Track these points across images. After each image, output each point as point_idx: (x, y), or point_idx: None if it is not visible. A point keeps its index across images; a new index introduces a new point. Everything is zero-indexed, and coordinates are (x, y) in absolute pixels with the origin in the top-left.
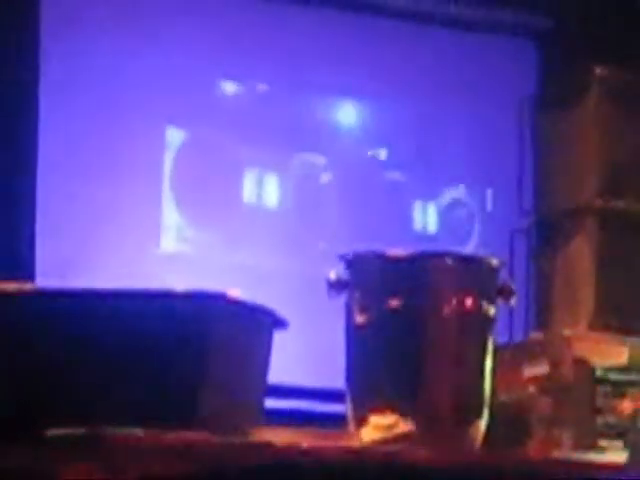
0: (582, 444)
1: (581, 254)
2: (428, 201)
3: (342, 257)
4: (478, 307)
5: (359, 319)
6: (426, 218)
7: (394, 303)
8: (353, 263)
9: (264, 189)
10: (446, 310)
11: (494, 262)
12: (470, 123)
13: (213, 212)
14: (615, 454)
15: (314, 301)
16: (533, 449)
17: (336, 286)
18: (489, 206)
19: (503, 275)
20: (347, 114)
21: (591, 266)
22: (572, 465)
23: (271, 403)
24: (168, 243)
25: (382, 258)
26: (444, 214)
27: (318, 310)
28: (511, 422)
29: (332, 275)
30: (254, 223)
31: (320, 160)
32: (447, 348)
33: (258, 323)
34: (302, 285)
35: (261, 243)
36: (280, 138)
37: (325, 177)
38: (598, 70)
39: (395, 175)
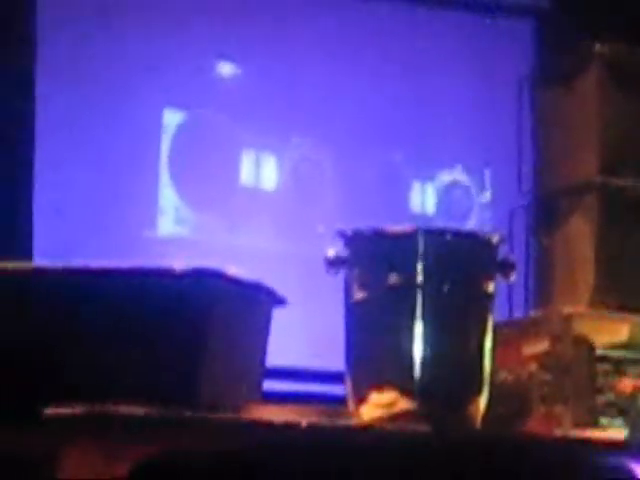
0: (582, 422)
1: (581, 232)
2: (426, 182)
3: (340, 234)
4: (477, 283)
5: (358, 296)
6: (424, 199)
7: (393, 279)
8: (351, 240)
9: (262, 171)
10: (445, 286)
11: (493, 238)
12: (469, 103)
13: (211, 194)
14: (615, 432)
15: (313, 283)
16: (533, 427)
17: (334, 263)
18: (488, 186)
19: (503, 251)
20: (345, 94)
21: (591, 244)
22: (572, 442)
23: (271, 385)
24: (165, 225)
25: (381, 234)
26: (442, 195)
27: (317, 292)
28: (511, 400)
29: (330, 252)
30: (252, 205)
31: (318, 141)
32: (446, 325)
33: (256, 301)
34: (300, 267)
35: (259, 225)
36: (278, 119)
37: (323, 158)
38: (597, 47)
39: (393, 156)
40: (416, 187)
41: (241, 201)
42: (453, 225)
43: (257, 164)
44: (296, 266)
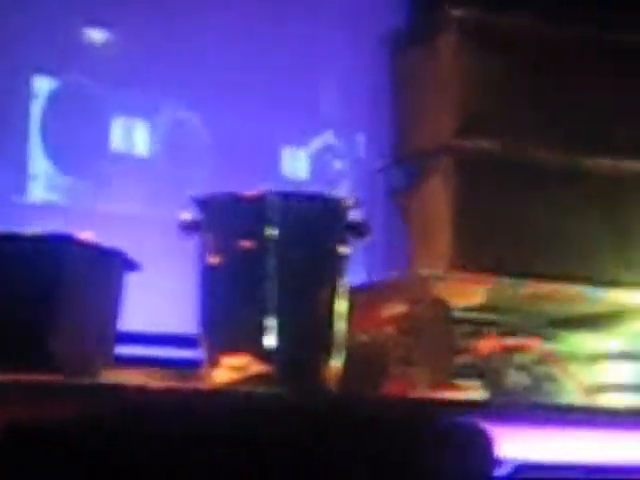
0: (438, 383)
1: (439, 195)
2: (299, 147)
3: (194, 199)
4: (328, 246)
5: (211, 260)
6: (296, 164)
7: (246, 244)
8: (204, 205)
9: (134, 136)
10: (296, 250)
11: (345, 201)
12: (341, 66)
13: (82, 160)
14: (473, 393)
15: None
16: (391, 389)
17: (188, 228)
18: (360, 151)
19: (357, 214)
20: (217, 60)
21: (449, 207)
22: (427, 403)
23: (128, 349)
24: (36, 191)
25: (232, 199)
26: (315, 160)
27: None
28: (369, 362)
29: (184, 217)
30: (124, 170)
31: (190, 106)
32: (298, 288)
33: (109, 266)
34: (171, 232)
35: (131, 191)
36: (149, 85)
37: (195, 124)
38: (454, 10)
39: (266, 120)
40: (288, 152)
41: (113, 167)
42: (325, 190)
43: (129, 130)
44: (166, 231)
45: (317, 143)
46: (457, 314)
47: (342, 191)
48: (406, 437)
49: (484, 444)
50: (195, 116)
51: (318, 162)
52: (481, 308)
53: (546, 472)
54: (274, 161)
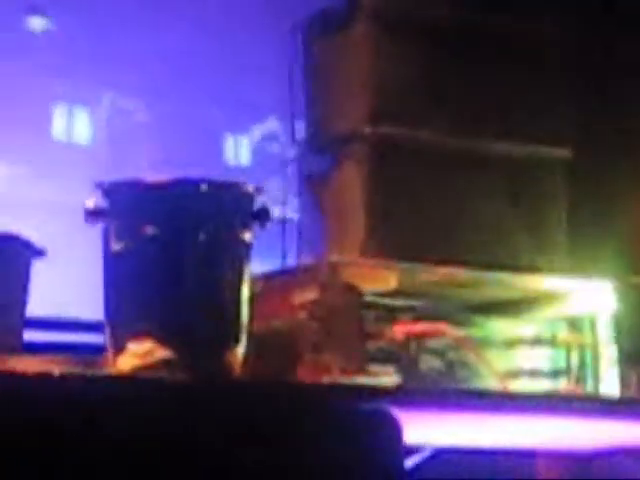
0: (351, 369)
1: (353, 181)
2: (241, 134)
3: (98, 185)
4: (233, 233)
5: (115, 247)
6: (238, 151)
7: (150, 230)
8: (109, 191)
9: (75, 124)
10: (201, 236)
11: (249, 188)
12: (276, 53)
13: (23, 147)
14: (386, 379)
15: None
16: (303, 375)
17: (93, 214)
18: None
19: (263, 201)
20: (159, 48)
21: (362, 193)
22: (338, 389)
23: (34, 335)
24: None
25: (137, 185)
26: (257, 147)
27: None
28: (282, 348)
29: (89, 203)
30: (64, 158)
31: (132, 95)
32: (202, 274)
33: (13, 252)
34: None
35: (71, 178)
36: (91, 73)
37: (137, 112)
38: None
39: (207, 108)
40: (231, 140)
41: (53, 154)
42: (268, 176)
43: (70, 117)
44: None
45: (260, 130)
46: (369, 299)
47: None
48: (308, 422)
49: (392, 429)
50: (136, 104)
51: (260, 149)
52: (395, 293)
53: (463, 457)
54: (216, 149)
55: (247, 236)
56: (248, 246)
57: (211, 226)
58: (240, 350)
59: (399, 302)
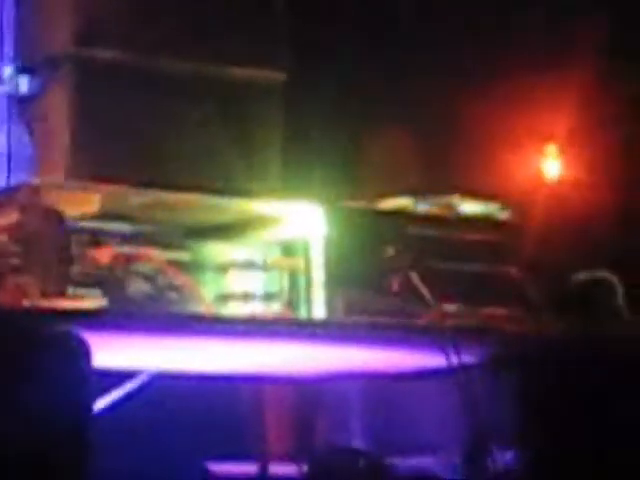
0: (52, 293)
1: (58, 103)
2: None
3: None
4: None
5: None
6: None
7: None
8: None
9: None
10: None
11: None
12: None
13: None
14: (91, 302)
15: None
16: (4, 298)
17: None
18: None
19: None
20: None
21: (67, 115)
22: (35, 313)
23: None
24: None
25: None
26: None
27: None
28: None
29: None
30: None
31: None
32: None
33: None
34: None
35: None
36: None
37: None
38: None
39: None
40: None
41: None
42: None
43: None
44: None
45: None
46: (72, 223)
47: None
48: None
49: (75, 351)
50: None
51: None
52: (97, 216)
53: (184, 382)
54: None
55: None
56: None
57: None
58: None
59: (102, 225)
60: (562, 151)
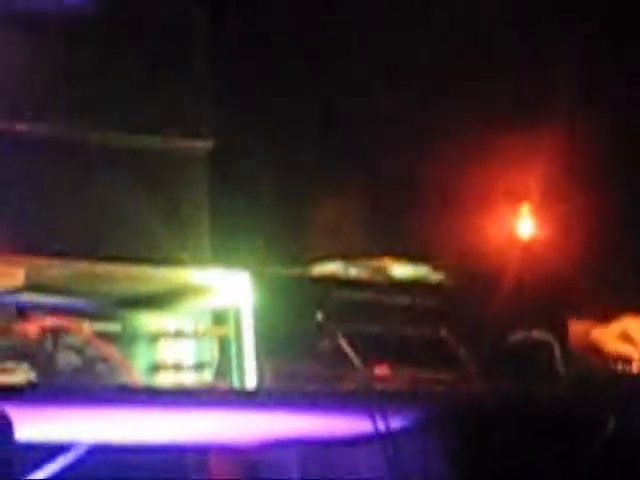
0: None
1: None
2: None
3: None
4: None
5: None
6: None
7: None
8: None
9: None
10: None
11: None
12: None
13: None
14: (17, 376)
15: None
16: None
17: None
18: None
19: None
20: None
21: None
22: None
23: None
24: None
25: None
26: None
27: None
28: None
29: None
30: None
31: None
32: None
33: None
34: None
35: None
36: None
37: None
38: None
39: None
40: None
41: None
42: None
43: None
44: None
45: None
46: None
47: None
48: None
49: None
50: None
51: None
52: (23, 289)
53: (121, 454)
54: None
55: None
56: None
57: None
58: None
59: (28, 298)
60: (531, 211)
